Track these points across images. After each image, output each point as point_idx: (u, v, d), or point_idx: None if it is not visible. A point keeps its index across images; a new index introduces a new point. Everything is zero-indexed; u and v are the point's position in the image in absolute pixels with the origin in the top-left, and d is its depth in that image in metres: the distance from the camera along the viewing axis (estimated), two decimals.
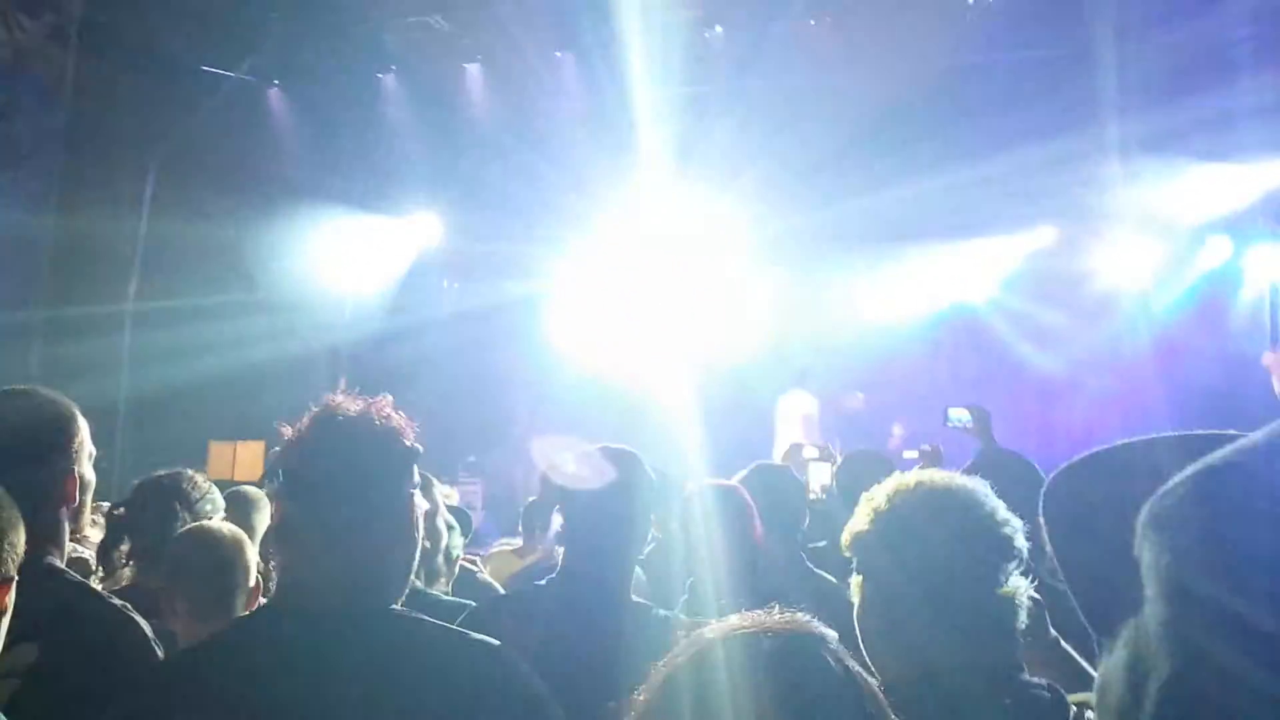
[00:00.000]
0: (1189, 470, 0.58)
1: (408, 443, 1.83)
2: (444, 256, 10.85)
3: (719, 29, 8.87)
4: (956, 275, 11.12)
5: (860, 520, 1.88)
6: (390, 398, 1.86)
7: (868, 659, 1.83)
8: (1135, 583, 0.59)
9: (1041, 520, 0.80)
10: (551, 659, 2.25)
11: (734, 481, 3.43)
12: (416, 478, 1.85)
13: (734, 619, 1.21)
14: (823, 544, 3.67)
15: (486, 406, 10.51)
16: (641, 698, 1.19)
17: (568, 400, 10.17)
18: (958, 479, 1.89)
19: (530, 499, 4.72)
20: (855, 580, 1.89)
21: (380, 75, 9.55)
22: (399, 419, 1.84)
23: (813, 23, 8.65)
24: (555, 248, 10.91)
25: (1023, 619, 1.81)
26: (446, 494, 4.34)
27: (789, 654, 1.15)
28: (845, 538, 1.91)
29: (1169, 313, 9.64)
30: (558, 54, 9.18)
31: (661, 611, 2.59)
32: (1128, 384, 9.12)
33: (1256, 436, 0.58)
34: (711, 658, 1.16)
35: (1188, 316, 9.46)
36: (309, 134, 9.41)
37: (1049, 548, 0.79)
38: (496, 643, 1.77)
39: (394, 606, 1.77)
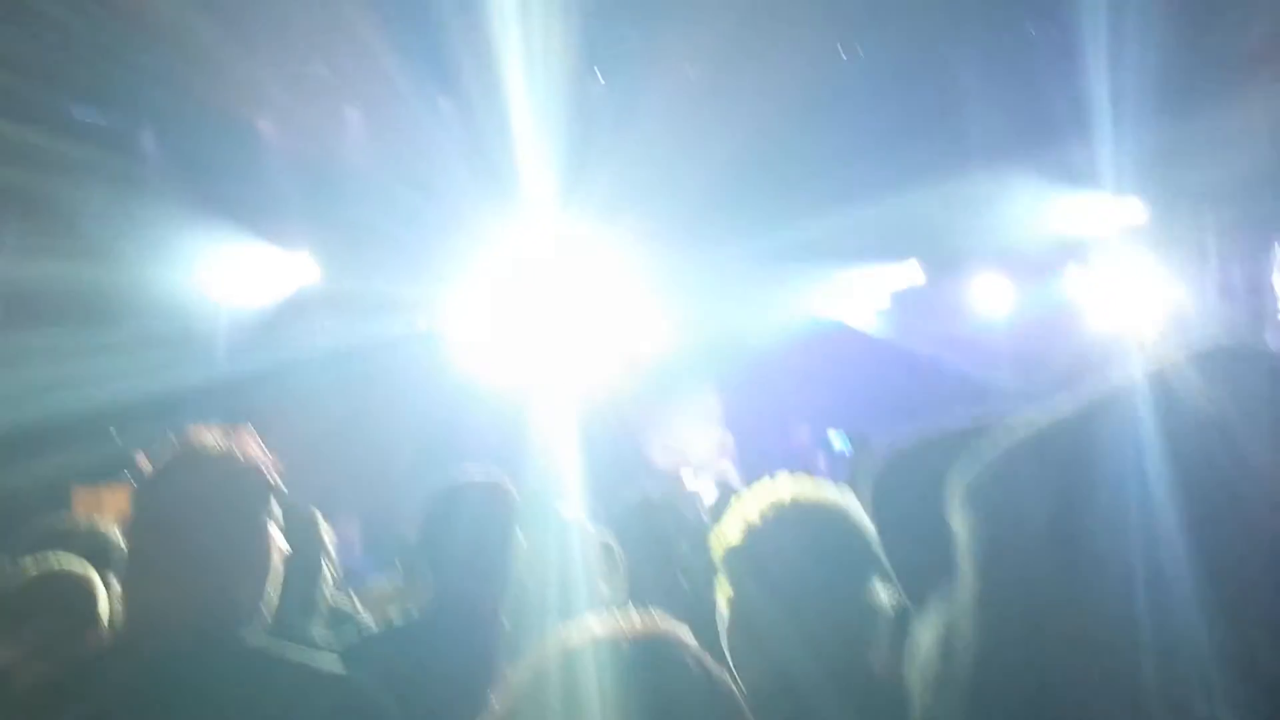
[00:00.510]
0: (995, 450, 0.61)
1: (263, 477, 1.81)
2: (322, 294, 10.65)
3: (598, 75, 8.96)
4: (836, 299, 11.45)
5: (728, 532, 1.89)
6: (252, 430, 1.84)
7: (734, 672, 1.85)
8: (948, 559, 0.60)
9: (870, 502, 0.81)
10: (423, 690, 2.24)
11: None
12: (275, 513, 1.83)
13: (592, 624, 1.21)
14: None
15: (367, 445, 10.31)
16: (498, 705, 1.17)
17: (453, 437, 10.06)
18: (826, 492, 1.88)
19: (410, 537, 4.65)
20: (722, 592, 1.90)
21: (256, 121, 9.36)
22: (258, 453, 1.82)
23: (689, 70, 8.80)
24: (439, 286, 10.81)
25: (886, 632, 1.83)
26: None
27: (647, 654, 1.15)
28: (714, 549, 1.91)
29: (1030, 341, 10.04)
30: (439, 100, 9.14)
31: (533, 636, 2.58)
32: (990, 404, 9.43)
33: (1052, 416, 0.61)
34: (569, 662, 1.15)
35: (1047, 350, 9.85)
36: (182, 178, 9.17)
37: (875, 528, 0.80)
38: (345, 673, 1.75)
39: (245, 641, 1.74)
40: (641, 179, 9.06)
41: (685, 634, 1.21)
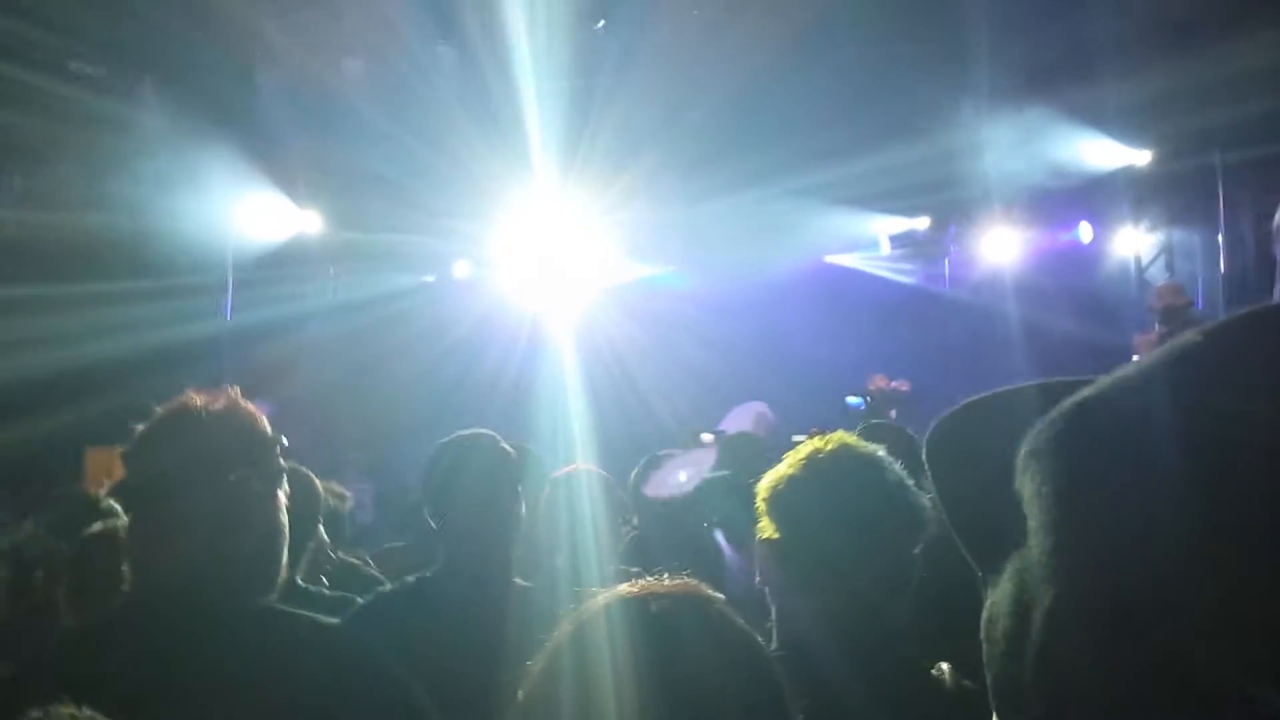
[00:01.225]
0: (1064, 404, 0.61)
1: (259, 434, 1.80)
2: (329, 246, 10.64)
3: (603, 22, 8.88)
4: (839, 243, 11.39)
5: (779, 473, 1.92)
6: (238, 390, 1.83)
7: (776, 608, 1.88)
8: (1015, 518, 0.61)
9: (925, 464, 0.82)
10: (437, 648, 2.27)
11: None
12: (279, 467, 1.82)
13: (622, 586, 1.21)
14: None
15: (379, 401, 10.34)
16: (535, 666, 1.19)
17: (465, 394, 10.09)
18: (868, 447, 1.92)
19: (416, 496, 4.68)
20: (765, 527, 1.91)
21: (258, 69, 9.31)
22: (250, 411, 1.81)
23: (696, 13, 8.69)
24: (446, 239, 10.81)
25: (913, 575, 1.82)
26: (338, 493, 4.27)
27: (676, 615, 1.15)
28: (763, 487, 1.93)
29: (1039, 295, 9.98)
30: (440, 48, 9.08)
31: (551, 591, 2.60)
32: (998, 365, 9.41)
33: (1126, 371, 0.62)
34: (600, 623, 1.16)
35: (1056, 299, 9.81)
36: (184, 127, 9.13)
37: (933, 490, 0.81)
38: (358, 633, 1.76)
39: (258, 600, 1.74)
40: (648, 125, 9.01)
41: (713, 593, 1.22)
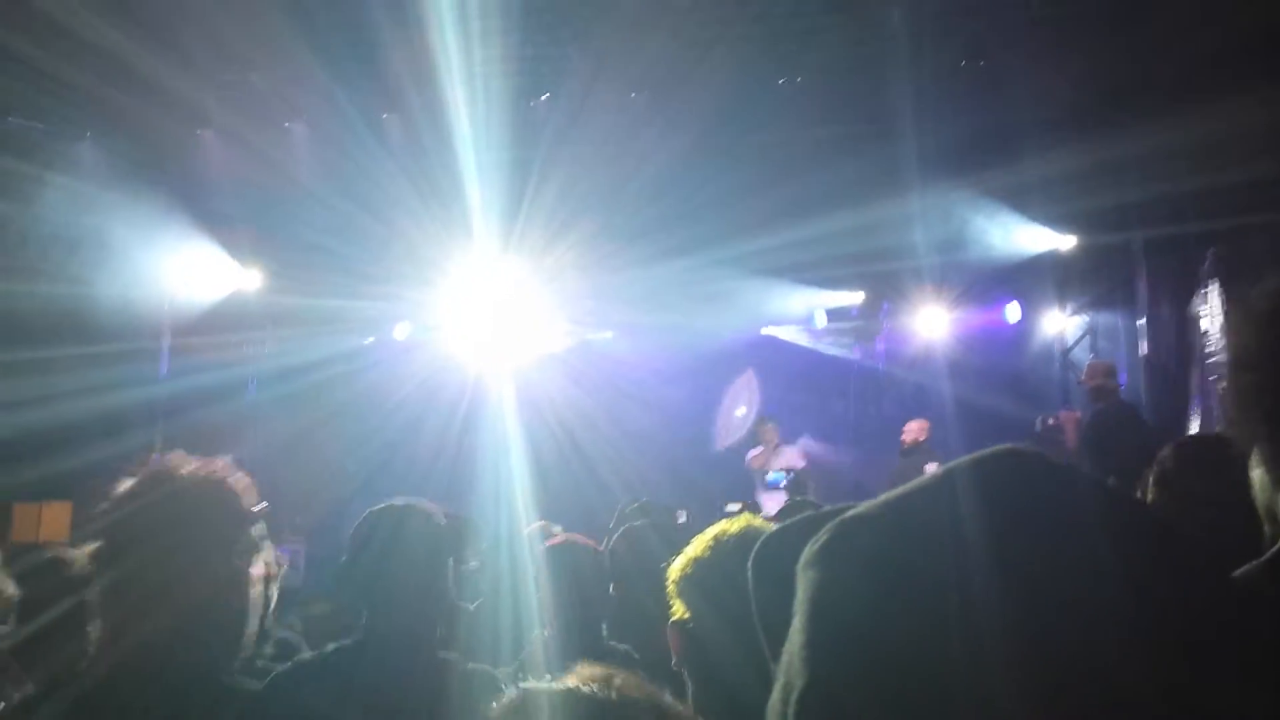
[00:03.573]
0: (832, 523, 0.70)
1: (240, 507, 1.78)
2: (269, 305, 10.59)
3: (545, 97, 9.06)
4: (775, 315, 11.59)
5: (686, 557, 1.96)
6: (228, 458, 1.82)
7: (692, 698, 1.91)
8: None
9: (749, 576, 0.90)
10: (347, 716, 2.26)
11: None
12: (254, 541, 1.80)
13: (574, 677, 1.17)
14: None
15: (313, 463, 10.22)
16: None
17: (407, 457, 10.02)
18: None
19: (343, 559, 4.62)
20: (678, 611, 1.95)
21: (199, 131, 9.32)
22: (237, 480, 1.80)
23: (634, 95, 8.92)
24: (386, 303, 10.81)
25: None
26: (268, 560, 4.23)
27: (616, 710, 1.12)
28: (673, 571, 1.97)
29: (968, 373, 10.19)
30: (384, 116, 9.17)
31: (473, 666, 2.58)
32: (930, 440, 9.57)
33: (889, 495, 0.71)
34: (534, 711, 1.13)
35: (985, 377, 10.02)
36: (123, 187, 9.07)
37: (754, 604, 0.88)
38: (263, 703, 1.74)
39: (221, 678, 1.72)
40: (587, 195, 9.17)
41: (672, 702, 1.20)
